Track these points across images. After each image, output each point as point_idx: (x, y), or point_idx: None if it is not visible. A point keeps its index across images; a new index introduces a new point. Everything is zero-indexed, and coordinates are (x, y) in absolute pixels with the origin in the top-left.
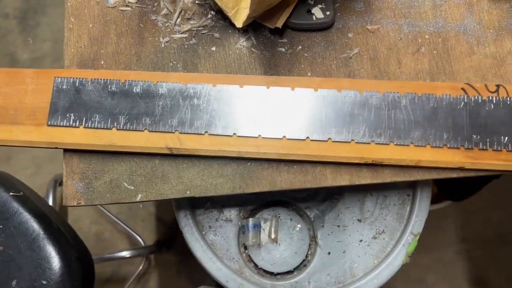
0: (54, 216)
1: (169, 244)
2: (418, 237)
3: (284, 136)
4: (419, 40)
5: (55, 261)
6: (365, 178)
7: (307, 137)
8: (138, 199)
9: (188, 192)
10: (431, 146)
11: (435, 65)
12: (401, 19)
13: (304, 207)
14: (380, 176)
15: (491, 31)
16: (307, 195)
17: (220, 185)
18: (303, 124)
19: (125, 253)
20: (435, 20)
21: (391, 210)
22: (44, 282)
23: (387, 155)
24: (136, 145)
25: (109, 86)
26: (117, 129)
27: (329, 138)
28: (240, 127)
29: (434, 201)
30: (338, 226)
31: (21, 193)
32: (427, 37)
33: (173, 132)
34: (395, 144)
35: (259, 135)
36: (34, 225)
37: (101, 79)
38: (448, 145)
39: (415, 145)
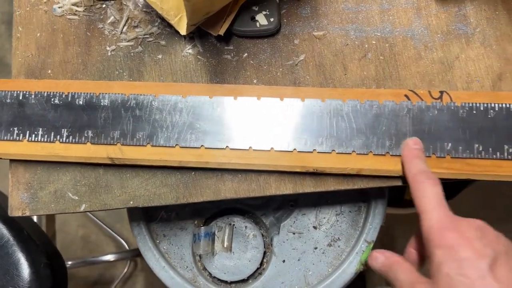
0: (25, 223)
1: None
2: (372, 245)
3: (227, 146)
4: (366, 46)
5: (24, 268)
6: (309, 186)
7: (250, 146)
8: (82, 209)
9: (131, 202)
10: (373, 154)
11: (382, 71)
12: (348, 25)
13: (260, 214)
14: (324, 184)
15: (439, 35)
16: (263, 202)
17: (163, 195)
18: (245, 134)
19: (110, 257)
20: (383, 25)
21: (346, 217)
22: None
23: (328, 164)
24: (78, 155)
25: (52, 99)
26: (60, 142)
27: (271, 148)
28: (182, 138)
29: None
30: (294, 233)
31: None
32: (374, 42)
33: (115, 144)
34: (336, 153)
35: (202, 145)
36: (4, 231)
37: (44, 92)
38: (391, 153)
39: (357, 153)
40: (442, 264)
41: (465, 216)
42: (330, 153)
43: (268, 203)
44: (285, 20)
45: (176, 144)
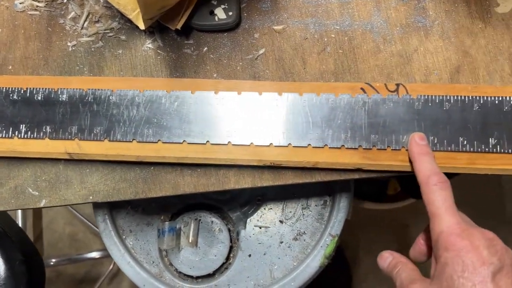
0: (0, 219)
1: None
2: (336, 238)
3: (184, 140)
4: (325, 39)
5: None
6: (267, 180)
7: (207, 141)
8: (42, 204)
9: (91, 197)
10: (329, 147)
11: (340, 65)
12: (307, 18)
13: (227, 209)
14: (282, 178)
15: (398, 28)
16: (230, 197)
17: (123, 190)
18: (203, 128)
19: (95, 254)
20: (342, 18)
21: (312, 211)
22: None
23: (285, 158)
24: (37, 151)
25: (11, 95)
26: (18, 138)
27: (228, 142)
28: (139, 132)
29: (397, 199)
30: (260, 227)
31: None
32: (333, 36)
33: (73, 139)
34: (293, 146)
35: (159, 140)
36: None
37: (3, 87)
38: (346, 146)
39: (312, 147)
40: (447, 266)
41: None
42: (287, 146)
43: (236, 198)
44: (245, 14)
45: (133, 139)
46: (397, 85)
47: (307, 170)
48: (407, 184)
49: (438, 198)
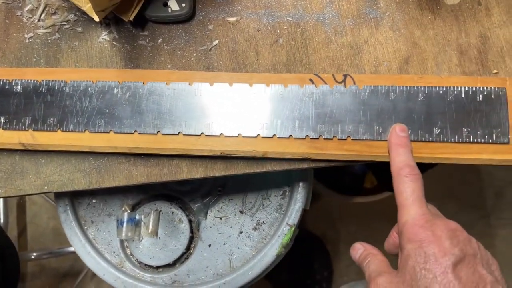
0: None
1: None
2: (294, 228)
3: (135, 131)
4: (278, 31)
5: None
6: (219, 170)
7: (158, 131)
8: None
9: (45, 187)
10: (278, 137)
11: (292, 56)
12: (261, 10)
13: (188, 200)
14: (234, 168)
15: (349, 20)
16: (192, 188)
17: (77, 180)
18: (154, 118)
19: None
20: (295, 10)
21: (272, 201)
22: None
23: (235, 147)
24: None
25: None
26: None
27: (179, 132)
28: (92, 123)
29: (374, 192)
30: (221, 218)
31: None
32: (286, 27)
33: (27, 130)
34: (243, 136)
35: (111, 130)
36: None
37: None
38: (294, 136)
39: (262, 137)
40: (409, 257)
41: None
42: (237, 136)
43: (197, 189)
44: (199, 6)
45: (86, 129)
46: (345, 76)
47: (258, 160)
48: (383, 177)
49: (408, 190)
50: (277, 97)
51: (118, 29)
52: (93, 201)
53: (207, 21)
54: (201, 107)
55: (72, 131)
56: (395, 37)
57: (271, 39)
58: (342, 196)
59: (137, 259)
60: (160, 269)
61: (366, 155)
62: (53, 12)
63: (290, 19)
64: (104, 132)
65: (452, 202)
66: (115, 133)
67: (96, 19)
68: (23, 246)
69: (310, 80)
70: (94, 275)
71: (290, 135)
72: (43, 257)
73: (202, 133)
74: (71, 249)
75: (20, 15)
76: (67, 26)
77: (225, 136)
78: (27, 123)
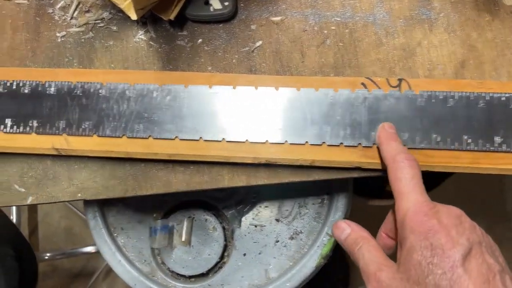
0: None
1: None
2: (334, 238)
3: (176, 136)
4: (325, 32)
5: None
6: (262, 178)
7: (200, 137)
8: (28, 201)
9: (79, 194)
10: (327, 145)
11: (340, 58)
12: (307, 9)
13: (221, 207)
14: (278, 176)
15: (401, 20)
16: (225, 194)
17: (112, 187)
18: (196, 123)
19: (90, 248)
20: (343, 9)
21: (309, 210)
22: None
23: (280, 155)
24: (23, 146)
25: None
26: (4, 133)
27: (223, 138)
28: (130, 127)
29: (391, 196)
30: (255, 226)
31: None
32: (333, 28)
33: (61, 135)
34: (289, 144)
35: (150, 136)
36: None
37: None
38: (345, 143)
39: (310, 144)
40: (414, 250)
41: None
42: (283, 144)
43: (231, 195)
44: (242, 5)
45: (123, 134)
46: (399, 80)
47: (304, 168)
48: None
49: (406, 176)
50: (326, 102)
51: (155, 28)
52: (123, 207)
53: (249, 20)
54: (245, 112)
55: (108, 136)
56: (450, 39)
57: (318, 40)
58: (362, 198)
59: (168, 268)
60: (193, 279)
61: (422, 164)
62: (87, 9)
63: (338, 19)
64: (143, 138)
65: (471, 204)
66: (154, 138)
67: (134, 17)
68: (35, 245)
69: (362, 84)
70: (106, 275)
71: (341, 143)
72: (56, 258)
73: (246, 139)
74: (85, 249)
75: (52, 12)
76: (101, 25)
77: (271, 143)
78: (61, 127)
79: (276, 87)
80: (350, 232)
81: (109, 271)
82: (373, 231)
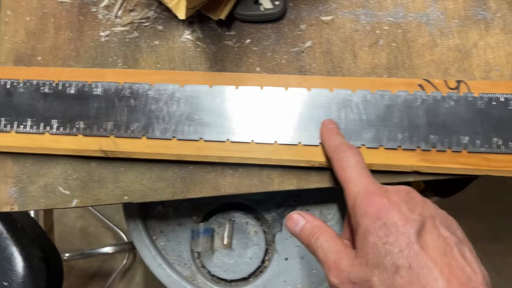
0: (19, 216)
1: None
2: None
3: (227, 139)
4: (378, 32)
5: (18, 262)
6: (314, 182)
7: (252, 139)
8: (73, 204)
9: (125, 197)
10: (384, 148)
11: (394, 59)
12: (358, 9)
13: (261, 209)
14: (330, 180)
15: (456, 21)
16: (265, 197)
17: (160, 190)
18: (247, 126)
19: (108, 249)
20: (396, 9)
21: None
22: (5, 284)
23: None
24: (69, 148)
25: (42, 88)
26: (50, 134)
27: (275, 141)
28: (180, 129)
29: None
30: None
31: None
32: (386, 28)
33: (108, 136)
34: None
35: (200, 138)
36: None
37: (33, 80)
38: (403, 147)
39: (366, 147)
40: (368, 233)
41: (466, 211)
42: None
43: (270, 198)
44: (291, 4)
45: (173, 137)
46: (458, 82)
47: None
48: (431, 182)
49: (351, 164)
50: (382, 104)
51: (202, 28)
52: (162, 209)
53: (299, 20)
54: (298, 114)
55: (158, 138)
56: (507, 40)
57: (370, 40)
58: None
59: (209, 272)
60: (234, 283)
61: (483, 169)
62: (131, 8)
63: (391, 19)
64: (194, 140)
65: (491, 204)
66: (205, 141)
67: (182, 17)
68: None
69: (420, 85)
70: (122, 276)
71: (399, 146)
72: (74, 258)
73: (299, 142)
74: (103, 250)
75: (95, 11)
76: (146, 24)
77: None
78: (108, 129)
79: (331, 88)
80: (305, 224)
81: (125, 272)
82: None
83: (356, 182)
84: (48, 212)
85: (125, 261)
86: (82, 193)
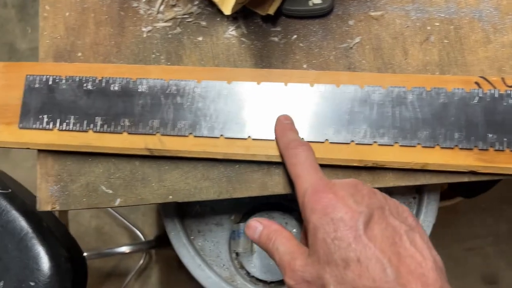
0: (44, 214)
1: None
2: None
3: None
4: (428, 28)
5: (44, 261)
6: (365, 182)
7: (302, 138)
8: (116, 203)
9: (170, 196)
10: (441, 147)
11: (446, 56)
12: (408, 4)
13: (299, 210)
14: (382, 180)
15: (510, 17)
16: None
17: (205, 189)
18: (297, 124)
19: (125, 249)
20: (447, 5)
21: None
22: (32, 284)
23: (390, 158)
24: (114, 146)
25: (85, 85)
26: (93, 132)
27: (326, 139)
28: (228, 128)
29: (444, 197)
30: None
31: (9, 190)
32: (437, 24)
33: (154, 134)
34: (400, 145)
35: (249, 136)
36: (22, 223)
37: (76, 76)
38: (460, 146)
39: (422, 146)
40: (317, 230)
41: (487, 212)
42: (392, 145)
43: None
44: (338, 0)
45: (221, 135)
46: None
47: (410, 172)
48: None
49: (300, 160)
50: (438, 102)
51: (246, 24)
52: (200, 209)
53: (346, 16)
54: (349, 111)
55: (205, 136)
56: None
57: (421, 37)
58: None
59: (247, 273)
60: (273, 284)
61: None
62: (174, 4)
63: (442, 15)
64: (241, 139)
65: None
66: (253, 139)
67: (228, 12)
68: None
69: (476, 83)
70: (138, 276)
71: (456, 145)
72: (92, 258)
73: (352, 141)
74: (120, 249)
75: (137, 6)
76: (190, 20)
77: (379, 145)
78: (154, 127)
79: (384, 85)
80: (262, 229)
81: (141, 272)
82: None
83: (304, 179)
84: (63, 212)
85: (141, 261)
86: (125, 192)
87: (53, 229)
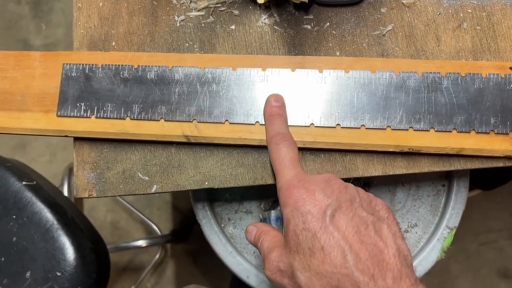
0: (68, 206)
1: (186, 233)
2: (454, 231)
3: (311, 124)
4: (461, 15)
5: (70, 252)
6: (400, 168)
7: (338, 124)
8: (153, 190)
9: (206, 183)
10: (476, 132)
11: (479, 43)
12: None
13: None
14: (417, 165)
15: None
16: None
17: (240, 176)
18: (332, 110)
19: (141, 242)
20: None
21: (424, 202)
22: (58, 274)
23: (426, 143)
24: (151, 133)
25: (121, 73)
26: (131, 119)
27: (362, 125)
28: (262, 114)
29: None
30: None
31: (34, 182)
32: (469, 11)
33: (191, 121)
34: (435, 131)
35: None
36: (48, 215)
37: (112, 65)
38: (496, 131)
39: (457, 131)
40: (289, 222)
41: (502, 206)
42: (428, 131)
43: None
44: None
45: (256, 122)
46: None
47: (445, 157)
48: (474, 174)
49: (281, 155)
50: (474, 87)
51: (279, 12)
52: (230, 197)
53: (379, 3)
54: (387, 97)
55: (240, 123)
56: None
57: (454, 24)
58: None
59: None
60: None
61: None
62: None
63: (474, 2)
64: None
65: None
66: (288, 126)
67: (260, 1)
68: None
69: (511, 68)
70: (154, 270)
71: (491, 130)
72: (109, 251)
73: (388, 126)
74: (136, 243)
75: None
76: (222, 9)
77: (415, 130)
78: (191, 114)
79: (419, 71)
80: (256, 232)
81: (157, 266)
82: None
83: (282, 175)
84: (79, 206)
85: (158, 255)
86: (161, 178)
87: (77, 220)
